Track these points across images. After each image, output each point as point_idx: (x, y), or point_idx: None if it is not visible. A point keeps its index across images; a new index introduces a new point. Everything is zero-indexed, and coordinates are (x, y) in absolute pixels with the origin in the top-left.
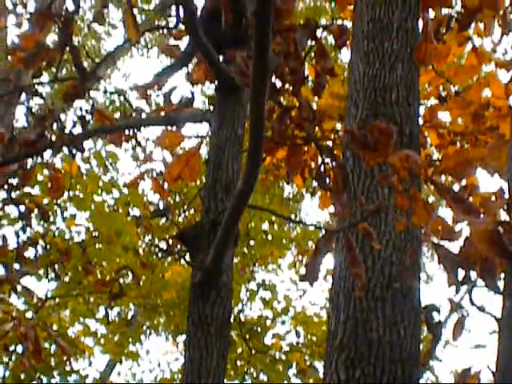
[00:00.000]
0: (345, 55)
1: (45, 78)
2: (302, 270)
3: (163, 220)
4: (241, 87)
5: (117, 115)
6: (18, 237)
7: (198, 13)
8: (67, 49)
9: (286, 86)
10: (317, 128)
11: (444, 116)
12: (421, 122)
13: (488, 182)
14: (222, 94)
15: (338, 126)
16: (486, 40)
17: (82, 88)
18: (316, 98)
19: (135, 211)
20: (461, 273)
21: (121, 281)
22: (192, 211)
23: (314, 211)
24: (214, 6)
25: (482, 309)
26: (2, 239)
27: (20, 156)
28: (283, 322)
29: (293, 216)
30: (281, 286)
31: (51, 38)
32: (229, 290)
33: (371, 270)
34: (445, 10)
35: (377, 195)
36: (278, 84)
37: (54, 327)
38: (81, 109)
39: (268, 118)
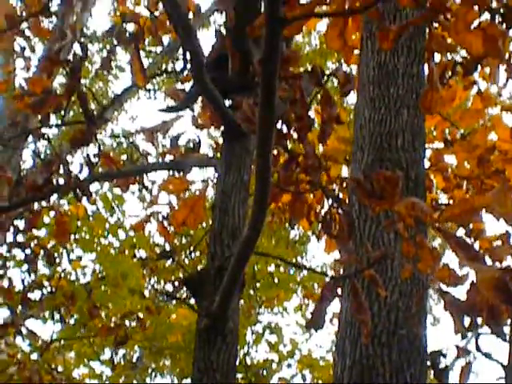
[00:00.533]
0: (351, 97)
1: (52, 119)
2: (308, 314)
3: (169, 261)
4: (247, 133)
5: (123, 157)
6: (23, 280)
7: (205, 59)
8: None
9: (292, 131)
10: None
11: (450, 159)
12: (427, 165)
13: (494, 224)
14: (228, 139)
15: (344, 169)
16: (491, 83)
17: (90, 134)
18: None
19: (141, 253)
20: (467, 319)
21: (126, 323)
22: (198, 253)
23: (321, 253)
24: (220, 53)
25: (488, 355)
26: (8, 281)
27: (27, 201)
28: (289, 366)
29: (299, 258)
30: (287, 328)
31: (59, 80)
32: (235, 336)
33: (377, 316)
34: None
35: (383, 241)
36: (284, 129)
37: (59, 369)
38: (88, 155)
39: (274, 163)
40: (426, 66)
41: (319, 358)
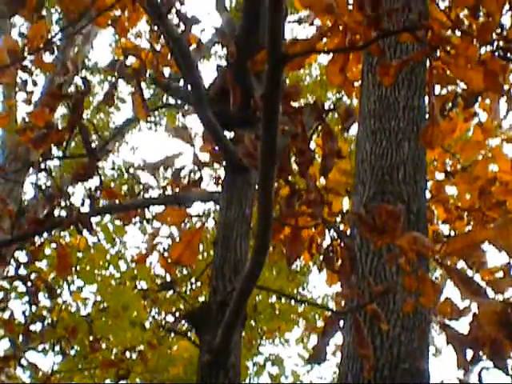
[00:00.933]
0: (352, 128)
1: (54, 150)
2: (310, 345)
3: (170, 293)
4: (249, 167)
5: (125, 187)
6: (24, 311)
7: (206, 92)
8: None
9: (293, 165)
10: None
11: (451, 191)
12: (428, 196)
13: (495, 255)
14: (230, 173)
15: (346, 200)
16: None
17: (92, 168)
18: None
19: (142, 284)
20: (470, 352)
21: (127, 354)
22: (199, 284)
23: (322, 283)
24: (222, 87)
25: None
26: (9, 313)
27: (28, 234)
28: None
29: (300, 289)
30: (288, 360)
31: (60, 112)
32: (237, 371)
33: (380, 350)
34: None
35: (384, 275)
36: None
37: None
38: (90, 189)
39: (275, 197)
40: (426, 99)
41: None
